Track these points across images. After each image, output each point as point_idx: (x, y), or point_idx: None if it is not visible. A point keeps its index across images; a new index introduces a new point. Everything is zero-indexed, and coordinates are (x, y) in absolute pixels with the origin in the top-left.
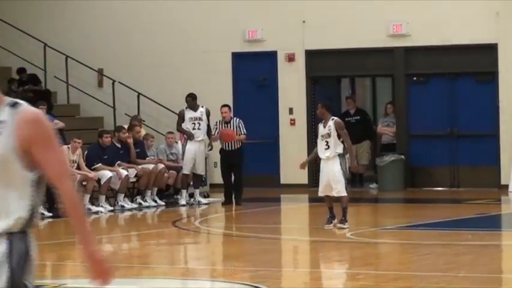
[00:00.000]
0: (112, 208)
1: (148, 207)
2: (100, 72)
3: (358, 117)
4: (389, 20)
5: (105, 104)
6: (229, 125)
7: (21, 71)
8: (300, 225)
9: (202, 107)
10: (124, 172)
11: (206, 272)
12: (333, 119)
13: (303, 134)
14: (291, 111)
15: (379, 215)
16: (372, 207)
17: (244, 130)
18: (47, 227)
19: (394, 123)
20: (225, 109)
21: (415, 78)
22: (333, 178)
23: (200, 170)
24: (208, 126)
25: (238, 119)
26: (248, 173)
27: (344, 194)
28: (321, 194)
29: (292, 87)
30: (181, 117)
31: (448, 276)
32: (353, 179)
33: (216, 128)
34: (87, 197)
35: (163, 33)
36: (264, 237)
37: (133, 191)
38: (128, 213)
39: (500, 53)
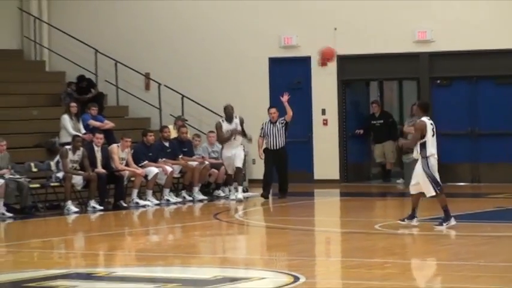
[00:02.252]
0: (158, 202)
1: (192, 201)
2: (147, 76)
3: (382, 121)
4: (414, 27)
5: (151, 105)
6: (274, 125)
7: (80, 79)
8: (332, 217)
9: (236, 117)
10: (169, 168)
11: (245, 261)
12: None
13: (335, 133)
14: (323, 112)
15: (405, 209)
16: (398, 201)
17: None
18: (99, 219)
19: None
20: (273, 110)
21: (438, 82)
22: (417, 178)
23: (238, 163)
24: (243, 130)
25: (282, 119)
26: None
27: (431, 193)
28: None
29: (324, 90)
30: (220, 129)
31: (469, 264)
32: (383, 175)
33: (263, 128)
34: (135, 191)
35: (205, 40)
36: (299, 229)
37: (178, 186)
38: (173, 207)
39: None
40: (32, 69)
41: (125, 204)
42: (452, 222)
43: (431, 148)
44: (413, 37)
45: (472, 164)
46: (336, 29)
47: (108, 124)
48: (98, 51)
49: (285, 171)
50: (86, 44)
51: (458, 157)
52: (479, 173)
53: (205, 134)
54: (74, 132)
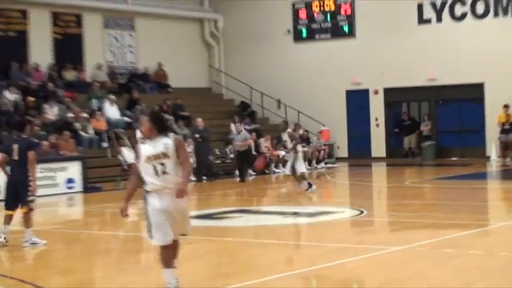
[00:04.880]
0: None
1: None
2: (278, 101)
3: (410, 122)
4: (427, 70)
5: (281, 117)
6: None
7: (244, 105)
8: (381, 177)
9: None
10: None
11: (333, 203)
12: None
13: (383, 131)
14: (376, 119)
15: (423, 172)
16: (418, 169)
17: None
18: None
19: (429, 125)
20: (199, 119)
21: (440, 102)
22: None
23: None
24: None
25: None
26: (356, 153)
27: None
28: None
29: (377, 108)
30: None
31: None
32: (409, 154)
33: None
34: (273, 164)
35: (309, 79)
36: (364, 185)
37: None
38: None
39: (485, 88)
40: (215, 98)
41: (267, 171)
42: (314, 187)
43: (300, 146)
44: (426, 75)
45: (461, 148)
46: (383, 73)
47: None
48: (251, 88)
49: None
50: (244, 83)
51: (453, 143)
52: (464, 153)
53: (313, 133)
54: (236, 133)
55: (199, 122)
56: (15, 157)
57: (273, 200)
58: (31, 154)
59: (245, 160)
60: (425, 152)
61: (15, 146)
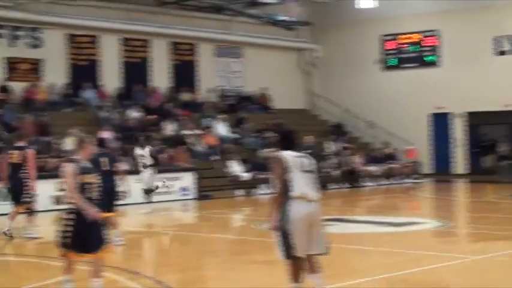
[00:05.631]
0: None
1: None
2: (369, 121)
3: (489, 143)
4: (504, 96)
5: (372, 136)
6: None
7: (337, 126)
8: (463, 192)
9: (148, 147)
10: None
11: (418, 214)
12: None
13: (464, 152)
14: (458, 140)
15: (501, 189)
16: (496, 185)
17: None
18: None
19: (507, 146)
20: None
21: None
22: None
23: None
24: (154, 157)
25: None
26: (439, 170)
27: None
28: None
29: (458, 128)
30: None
31: None
32: (488, 172)
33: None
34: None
35: (392, 104)
36: (443, 198)
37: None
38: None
39: None
40: (311, 119)
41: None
42: None
43: None
44: (504, 102)
45: None
46: (464, 100)
47: (348, 145)
48: (345, 110)
49: None
50: (338, 105)
51: None
52: None
53: (401, 151)
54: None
55: (309, 139)
56: (105, 168)
57: (364, 210)
58: (119, 166)
59: None
60: (502, 170)
61: (105, 159)
